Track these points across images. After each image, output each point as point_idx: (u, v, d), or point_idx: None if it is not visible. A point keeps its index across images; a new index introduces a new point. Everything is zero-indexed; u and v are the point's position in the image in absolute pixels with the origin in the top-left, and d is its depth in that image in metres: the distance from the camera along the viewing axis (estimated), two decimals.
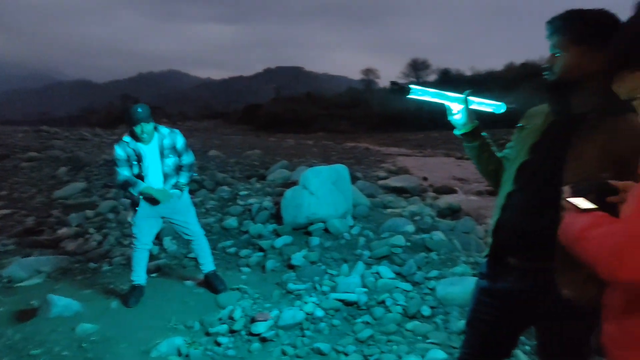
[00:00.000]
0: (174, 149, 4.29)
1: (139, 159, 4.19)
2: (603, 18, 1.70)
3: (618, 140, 1.68)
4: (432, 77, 72.13)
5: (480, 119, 2.22)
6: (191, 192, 9.33)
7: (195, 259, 5.62)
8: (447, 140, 34.14)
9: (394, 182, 9.62)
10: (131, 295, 4.30)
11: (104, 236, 6.68)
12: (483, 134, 2.18)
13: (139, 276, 4.40)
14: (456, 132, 2.20)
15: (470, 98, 2.13)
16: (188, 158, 4.41)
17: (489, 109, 2.24)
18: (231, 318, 3.97)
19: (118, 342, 3.70)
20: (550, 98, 1.88)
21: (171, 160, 4.29)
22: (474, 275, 4.41)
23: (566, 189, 1.38)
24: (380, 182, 9.93)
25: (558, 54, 1.77)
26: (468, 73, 65.22)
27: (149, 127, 4.13)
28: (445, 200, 8.30)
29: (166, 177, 4.30)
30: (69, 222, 8.08)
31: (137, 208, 4.28)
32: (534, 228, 1.84)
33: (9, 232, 8.03)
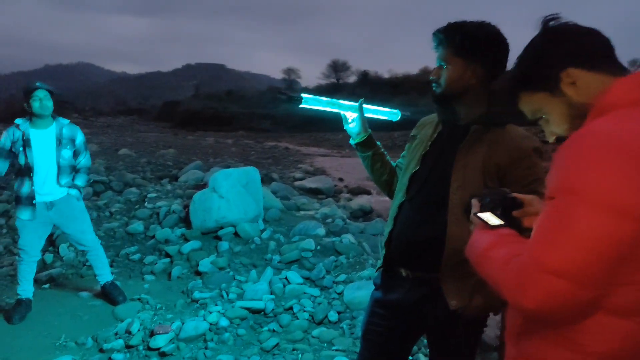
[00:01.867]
0: (72, 141, 3.94)
1: (26, 145, 3.74)
2: (481, 31, 1.70)
3: (498, 152, 1.71)
4: (352, 79, 73.42)
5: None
6: (96, 194, 8.83)
7: None
8: None
9: (310, 183, 9.59)
10: (15, 311, 3.91)
11: None
12: (377, 143, 2.16)
13: (25, 289, 4.02)
14: (351, 141, 2.17)
15: (365, 106, 2.09)
16: (86, 160, 4.11)
17: (383, 117, 2.22)
18: (128, 332, 3.71)
19: None
20: (438, 109, 1.88)
21: (68, 153, 3.91)
22: None
23: (474, 202, 1.34)
24: (297, 183, 9.88)
25: (444, 66, 1.77)
26: (386, 76, 67.02)
27: (48, 101, 3.77)
28: (357, 201, 8.39)
29: (61, 170, 3.89)
30: None
31: (21, 215, 3.86)
32: (422, 239, 1.83)
33: None
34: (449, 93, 1.77)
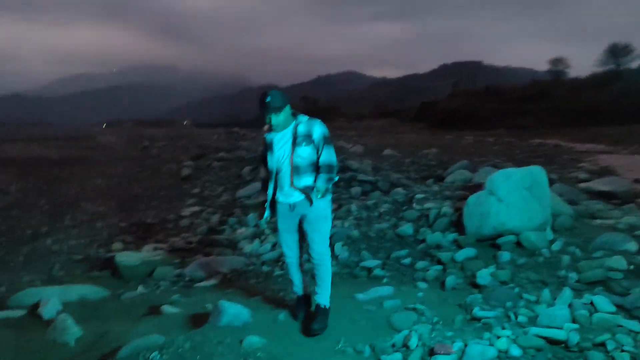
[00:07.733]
0: (309, 137, 3.58)
1: (269, 149, 3.69)
2: None
3: None
4: (637, 63, 62.71)
5: None
6: (364, 193, 9.04)
7: (368, 269, 5.22)
8: None
9: (599, 185, 8.09)
10: (296, 308, 4.00)
11: None
12: None
13: (296, 287, 4.03)
14: None
15: None
16: (327, 155, 3.59)
17: None
18: (406, 346, 3.42)
19: None
20: None
21: (306, 152, 3.57)
22: None
23: None
24: (581, 185, 8.49)
25: None
26: None
27: (278, 118, 3.57)
28: None
29: (297, 170, 3.60)
30: (247, 222, 8.35)
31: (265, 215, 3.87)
32: None
33: (195, 230, 8.62)
34: None
